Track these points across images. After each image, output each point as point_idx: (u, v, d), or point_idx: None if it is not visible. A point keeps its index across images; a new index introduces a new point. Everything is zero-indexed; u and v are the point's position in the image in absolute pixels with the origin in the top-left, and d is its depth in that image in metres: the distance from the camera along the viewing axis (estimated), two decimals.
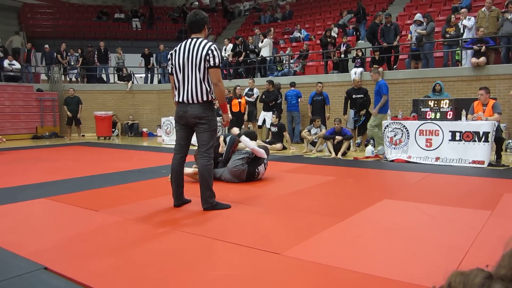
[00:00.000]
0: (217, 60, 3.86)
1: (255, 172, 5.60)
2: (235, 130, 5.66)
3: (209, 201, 4.00)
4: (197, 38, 3.95)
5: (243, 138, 5.62)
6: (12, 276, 2.47)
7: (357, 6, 14.44)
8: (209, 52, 3.83)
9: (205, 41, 3.93)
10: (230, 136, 5.78)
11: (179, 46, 4.00)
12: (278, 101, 11.14)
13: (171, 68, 4.04)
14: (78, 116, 13.38)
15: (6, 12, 19.58)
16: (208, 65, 3.85)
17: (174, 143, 4.24)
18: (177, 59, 3.96)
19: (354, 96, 9.40)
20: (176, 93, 4.01)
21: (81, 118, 13.61)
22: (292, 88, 11.34)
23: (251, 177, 5.57)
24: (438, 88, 8.48)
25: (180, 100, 3.97)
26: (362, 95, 9.31)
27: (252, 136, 6.05)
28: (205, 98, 3.90)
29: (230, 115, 4.28)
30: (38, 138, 13.78)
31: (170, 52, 4.11)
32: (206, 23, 4.06)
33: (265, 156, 5.72)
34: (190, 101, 3.91)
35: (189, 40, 3.97)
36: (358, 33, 14.29)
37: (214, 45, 3.91)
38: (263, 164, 5.72)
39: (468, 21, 10.22)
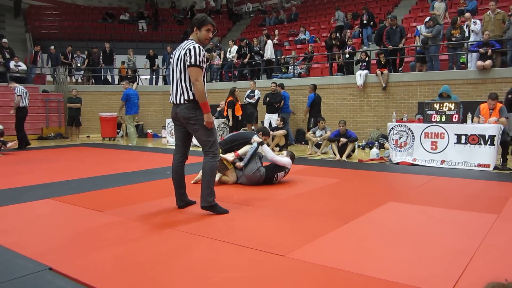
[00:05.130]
0: (193, 59, 3.80)
1: (273, 178, 5.56)
2: (257, 139, 5.56)
3: (207, 199, 3.97)
4: (188, 39, 3.99)
5: (265, 148, 5.64)
6: (17, 277, 2.48)
7: (366, 12, 14.28)
8: (187, 51, 3.82)
9: (190, 41, 3.94)
10: (254, 145, 5.60)
11: (177, 48, 4.05)
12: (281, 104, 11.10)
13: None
14: (79, 117, 13.51)
15: (13, 14, 19.73)
16: (187, 64, 3.85)
17: None
18: (171, 61, 4.03)
19: None
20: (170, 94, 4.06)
21: (82, 119, 13.75)
22: (283, 90, 11.33)
23: (268, 181, 5.53)
24: (446, 95, 8.38)
25: (171, 101, 4.04)
26: None
27: (265, 132, 6.03)
28: (189, 98, 3.90)
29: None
30: (43, 139, 13.83)
31: None
32: (195, 25, 3.98)
33: (288, 166, 5.67)
34: (177, 101, 3.95)
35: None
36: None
37: (196, 45, 3.85)
38: (283, 172, 5.66)
39: (475, 26, 10.19)
